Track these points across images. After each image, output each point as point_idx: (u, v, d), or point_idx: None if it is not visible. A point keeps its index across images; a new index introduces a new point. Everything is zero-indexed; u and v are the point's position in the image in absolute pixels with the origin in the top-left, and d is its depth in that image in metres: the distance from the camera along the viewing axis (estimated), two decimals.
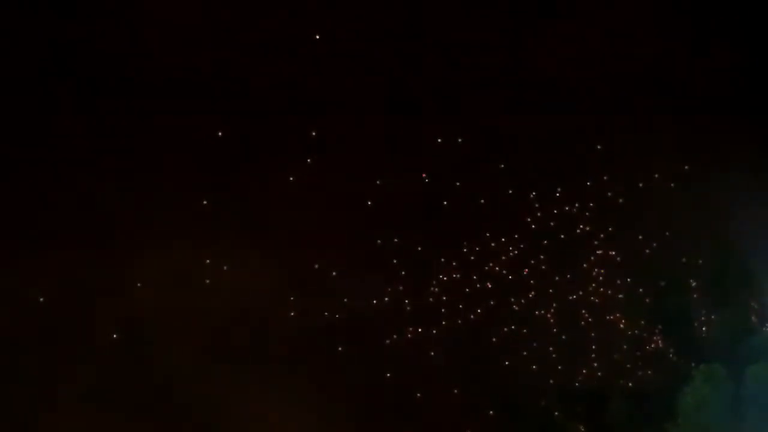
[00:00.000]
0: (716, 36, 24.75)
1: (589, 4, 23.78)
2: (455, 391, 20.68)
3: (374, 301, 20.35)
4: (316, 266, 19.48)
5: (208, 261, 17.95)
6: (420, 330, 20.70)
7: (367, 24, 20.23)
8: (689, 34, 24.50)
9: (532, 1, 22.82)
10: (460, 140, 21.48)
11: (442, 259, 21.74)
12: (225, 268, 17.93)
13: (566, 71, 23.18)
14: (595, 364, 23.22)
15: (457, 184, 21.56)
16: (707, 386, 21.90)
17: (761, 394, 21.54)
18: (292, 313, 18.19)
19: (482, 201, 21.86)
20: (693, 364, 22.90)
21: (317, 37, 19.00)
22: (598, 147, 23.85)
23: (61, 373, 16.31)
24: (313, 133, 18.56)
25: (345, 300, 19.72)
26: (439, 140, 21.69)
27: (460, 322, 21.45)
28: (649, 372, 23.70)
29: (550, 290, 23.24)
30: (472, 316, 21.48)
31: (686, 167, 24.78)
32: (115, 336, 16.45)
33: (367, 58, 20.27)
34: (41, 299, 15.74)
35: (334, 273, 19.32)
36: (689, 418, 21.85)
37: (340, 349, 18.83)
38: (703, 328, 24.57)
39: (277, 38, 18.79)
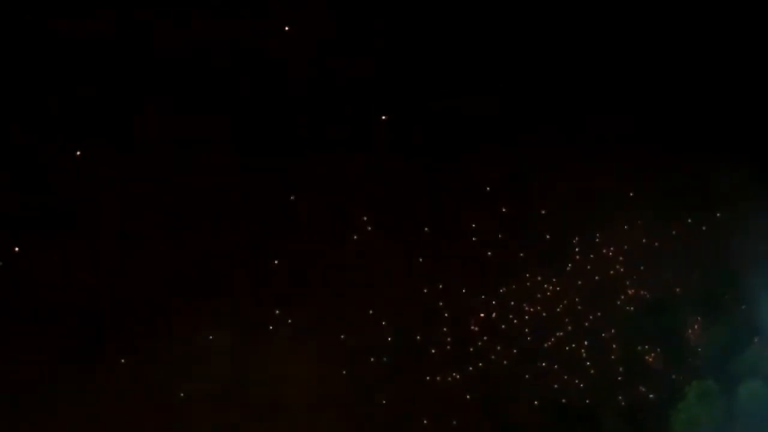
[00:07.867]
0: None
1: None
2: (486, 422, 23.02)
3: (418, 338, 22.79)
4: (371, 312, 21.94)
5: (277, 311, 20.45)
6: (458, 368, 23.00)
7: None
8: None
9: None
10: (502, 199, 23.62)
11: (483, 297, 24.08)
12: (289, 321, 20.42)
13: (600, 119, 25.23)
14: (621, 399, 25.24)
15: (499, 236, 23.69)
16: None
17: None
18: (344, 372, 20.47)
19: (521, 254, 23.92)
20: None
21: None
22: (631, 194, 25.81)
23: None
24: (365, 217, 20.81)
25: (389, 339, 22.19)
26: (488, 189, 24.01)
27: (493, 357, 23.76)
28: (675, 400, 25.57)
29: (585, 325, 25.46)
30: (505, 360, 23.68)
31: (718, 214, 26.62)
32: (182, 395, 19.11)
33: (413, 113, 22.61)
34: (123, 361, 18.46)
35: (383, 323, 21.63)
36: None
37: (384, 401, 21.06)
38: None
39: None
